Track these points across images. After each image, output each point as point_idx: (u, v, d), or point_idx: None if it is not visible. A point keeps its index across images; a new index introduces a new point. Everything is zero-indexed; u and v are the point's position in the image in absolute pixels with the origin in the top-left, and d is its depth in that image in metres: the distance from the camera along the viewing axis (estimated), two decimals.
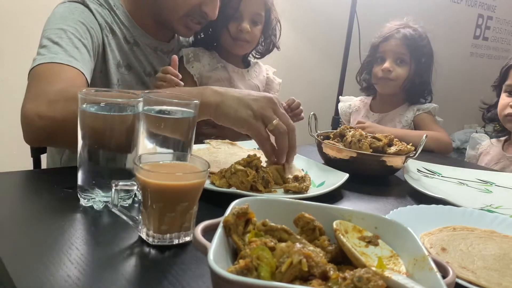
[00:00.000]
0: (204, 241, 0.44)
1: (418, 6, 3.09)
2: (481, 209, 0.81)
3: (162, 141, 0.71)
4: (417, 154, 0.98)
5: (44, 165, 1.23)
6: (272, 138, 0.83)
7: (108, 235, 0.58)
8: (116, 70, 1.07)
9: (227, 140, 1.06)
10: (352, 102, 1.77)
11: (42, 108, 0.77)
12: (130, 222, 0.58)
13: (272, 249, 0.43)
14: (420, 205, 0.76)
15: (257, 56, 1.39)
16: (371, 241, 0.51)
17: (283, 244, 0.43)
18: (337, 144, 1.01)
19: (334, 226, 0.50)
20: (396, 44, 1.57)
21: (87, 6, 1.00)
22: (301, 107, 1.26)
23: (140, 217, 0.57)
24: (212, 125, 1.13)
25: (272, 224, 0.48)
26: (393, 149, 0.97)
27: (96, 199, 0.64)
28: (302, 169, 0.93)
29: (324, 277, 0.41)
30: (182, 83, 1.08)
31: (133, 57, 1.11)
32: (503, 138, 1.53)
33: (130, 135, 0.65)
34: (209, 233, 0.47)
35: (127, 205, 0.67)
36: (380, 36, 1.61)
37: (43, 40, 0.92)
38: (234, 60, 1.33)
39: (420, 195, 0.87)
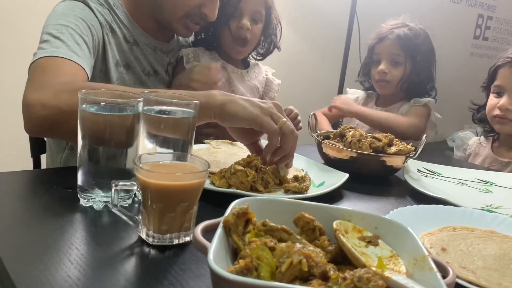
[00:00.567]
0: (204, 241, 0.44)
1: (418, 6, 3.09)
2: (481, 209, 0.81)
3: (162, 141, 0.70)
4: (417, 154, 0.98)
5: (44, 165, 1.23)
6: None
7: (108, 235, 0.58)
8: (115, 69, 1.07)
9: (227, 140, 1.06)
10: (360, 95, 1.77)
11: (46, 97, 0.76)
12: (130, 222, 0.58)
13: (272, 249, 0.43)
14: (420, 205, 0.76)
15: (258, 58, 1.39)
16: (371, 241, 0.51)
17: (283, 244, 0.43)
18: (337, 144, 1.01)
19: (334, 226, 0.50)
20: (390, 45, 1.56)
21: (87, 5, 1.01)
22: (299, 118, 1.25)
23: (140, 217, 0.57)
24: (212, 126, 1.13)
25: (272, 224, 0.48)
26: (393, 149, 0.97)
27: (96, 199, 0.64)
28: (302, 169, 0.93)
29: (324, 277, 0.41)
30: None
31: (132, 57, 1.11)
32: (491, 137, 1.52)
33: (130, 135, 0.65)
34: (209, 233, 0.47)
35: (127, 205, 0.67)
36: (375, 38, 1.62)
37: (44, 35, 0.92)
38: (234, 60, 1.33)
39: (420, 195, 0.87)
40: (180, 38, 1.29)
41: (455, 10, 3.90)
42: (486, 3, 4.23)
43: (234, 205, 0.50)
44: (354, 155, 0.95)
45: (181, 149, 0.72)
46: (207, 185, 0.74)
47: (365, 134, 1.01)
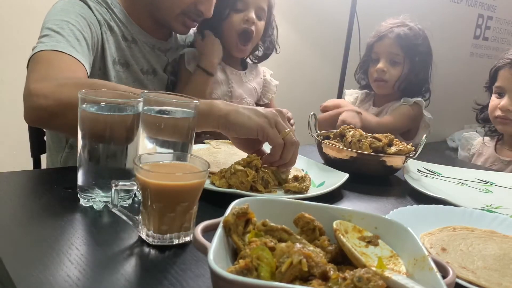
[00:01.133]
0: (204, 241, 0.44)
1: (418, 6, 3.08)
2: (481, 209, 0.81)
3: (162, 141, 0.71)
4: (417, 154, 0.98)
5: (44, 165, 1.23)
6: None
7: (108, 235, 0.58)
8: (112, 67, 1.07)
9: (227, 140, 1.06)
10: (359, 95, 1.77)
11: (49, 89, 0.77)
12: (130, 222, 0.58)
13: (272, 249, 0.43)
14: (420, 205, 0.76)
15: (254, 61, 1.39)
16: (371, 241, 0.51)
17: (283, 244, 0.43)
18: (337, 144, 1.01)
19: (334, 226, 0.50)
20: (390, 44, 1.56)
21: (85, 3, 1.02)
22: (292, 121, 1.24)
23: (140, 217, 0.57)
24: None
25: (272, 224, 0.48)
26: (393, 149, 0.97)
27: (96, 199, 0.64)
28: (302, 169, 0.93)
29: (324, 277, 0.41)
30: None
31: (130, 55, 1.11)
32: (495, 138, 1.53)
33: (130, 135, 0.65)
34: (209, 233, 0.47)
35: (127, 205, 0.67)
36: (374, 36, 1.61)
37: (44, 30, 0.92)
38: (233, 62, 1.33)
39: (420, 195, 0.87)
40: (178, 37, 1.29)
41: (455, 10, 3.89)
42: (486, 3, 4.23)
43: (234, 205, 0.50)
44: (354, 155, 0.95)
45: (181, 149, 0.72)
46: (207, 185, 0.74)
47: (365, 134, 1.01)
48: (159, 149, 0.71)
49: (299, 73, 2.83)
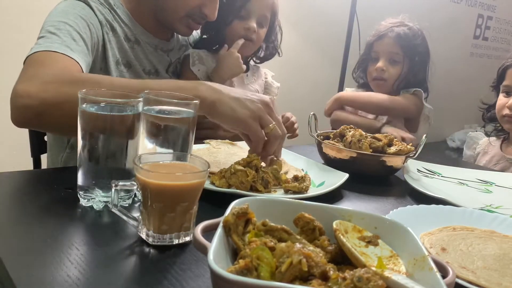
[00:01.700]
0: (204, 241, 0.44)
1: (418, 6, 3.09)
2: (481, 209, 0.81)
3: (162, 141, 0.71)
4: (417, 154, 0.98)
5: (44, 165, 1.23)
6: None
7: (108, 235, 0.58)
8: (115, 68, 1.07)
9: (227, 140, 1.06)
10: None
11: (34, 88, 0.76)
12: (130, 222, 0.58)
13: (272, 249, 0.43)
14: (420, 205, 0.76)
15: (256, 62, 1.40)
16: (371, 241, 0.51)
17: (283, 244, 0.43)
18: (337, 144, 1.01)
19: (334, 226, 0.50)
20: (390, 43, 1.56)
21: (87, 4, 1.02)
22: (296, 126, 1.25)
23: (140, 217, 0.57)
24: (208, 127, 1.13)
25: (272, 224, 0.48)
26: (393, 149, 0.97)
27: (96, 199, 0.64)
28: (302, 169, 0.93)
29: (324, 277, 0.41)
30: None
31: (133, 55, 1.11)
32: (502, 137, 1.53)
33: (130, 135, 0.65)
34: (209, 233, 0.47)
35: (127, 205, 0.67)
36: (374, 35, 1.61)
37: (41, 32, 0.92)
38: None
39: (420, 195, 0.87)
40: (180, 37, 1.29)
41: (455, 10, 3.90)
42: (486, 3, 4.23)
43: (234, 205, 0.50)
44: (354, 155, 0.95)
45: (181, 149, 0.72)
46: (207, 185, 0.74)
47: (365, 134, 1.01)
48: (159, 149, 0.71)
49: (300, 73, 2.83)
